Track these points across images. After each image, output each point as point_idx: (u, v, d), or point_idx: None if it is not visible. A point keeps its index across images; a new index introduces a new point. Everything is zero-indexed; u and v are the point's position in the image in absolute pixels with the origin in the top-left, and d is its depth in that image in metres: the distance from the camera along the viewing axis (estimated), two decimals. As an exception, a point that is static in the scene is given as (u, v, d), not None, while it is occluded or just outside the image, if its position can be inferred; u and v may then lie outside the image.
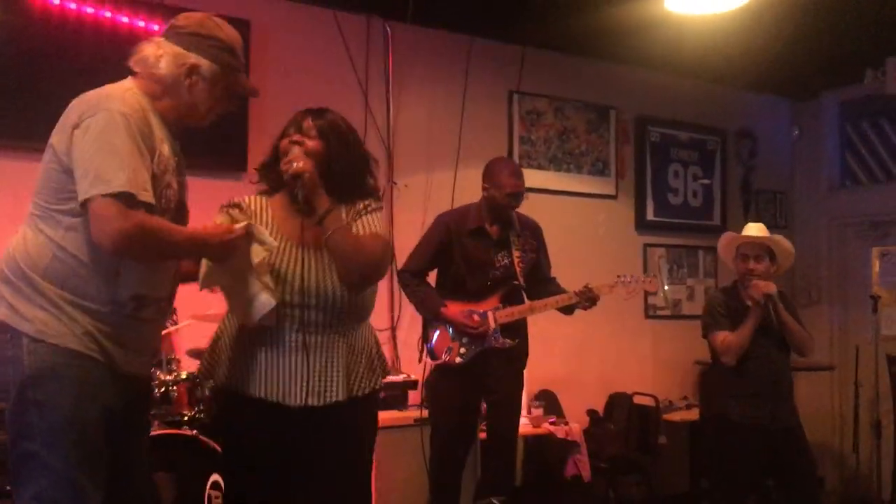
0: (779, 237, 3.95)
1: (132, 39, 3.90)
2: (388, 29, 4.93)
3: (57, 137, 2.05)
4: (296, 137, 2.41)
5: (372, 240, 2.39)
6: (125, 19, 4.03)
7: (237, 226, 2.23)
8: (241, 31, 4.28)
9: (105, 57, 3.89)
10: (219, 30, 2.23)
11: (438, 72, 5.15)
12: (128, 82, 2.18)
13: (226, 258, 2.23)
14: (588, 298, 3.83)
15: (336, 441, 2.41)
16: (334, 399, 2.34)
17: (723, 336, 3.85)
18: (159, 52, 2.17)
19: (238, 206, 2.49)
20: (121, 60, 2.22)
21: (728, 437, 3.87)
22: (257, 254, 2.24)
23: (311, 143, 2.40)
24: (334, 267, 2.35)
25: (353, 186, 2.47)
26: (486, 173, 3.93)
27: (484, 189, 3.92)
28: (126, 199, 1.95)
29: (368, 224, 2.43)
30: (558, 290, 3.94)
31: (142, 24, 4.08)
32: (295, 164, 2.33)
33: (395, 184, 4.91)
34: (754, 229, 3.97)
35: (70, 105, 2.08)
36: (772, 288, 3.75)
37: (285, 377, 2.35)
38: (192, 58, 2.17)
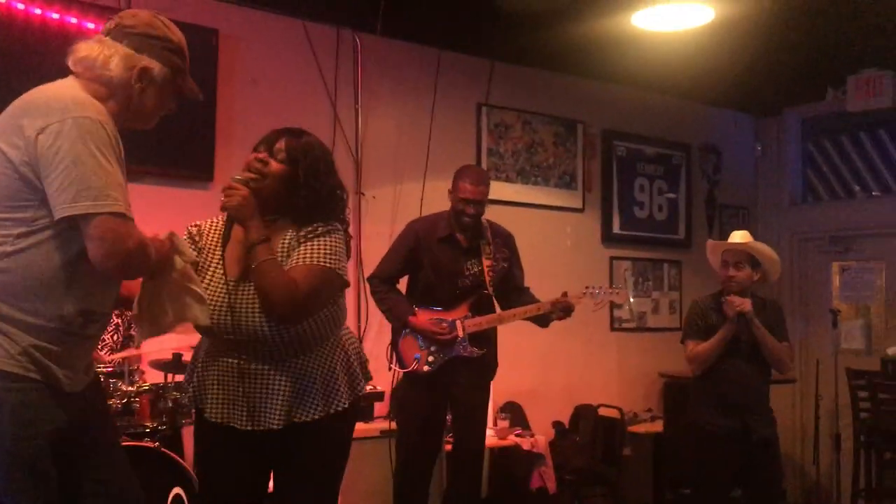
0: (761, 245, 3.96)
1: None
2: (358, 40, 4.93)
3: (8, 141, 1.89)
4: (261, 155, 2.35)
5: (303, 273, 2.27)
6: (91, 25, 3.98)
7: (161, 236, 2.16)
8: (209, 39, 4.33)
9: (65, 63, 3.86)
10: (168, 30, 2.11)
11: (407, 84, 5.17)
12: (71, 82, 2.02)
13: (163, 271, 2.15)
14: (563, 308, 3.83)
15: (286, 464, 2.40)
16: (270, 426, 2.30)
17: (692, 345, 3.90)
18: (108, 53, 2.01)
19: (198, 226, 2.48)
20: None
21: (702, 445, 3.92)
22: (178, 263, 2.17)
23: (274, 166, 2.34)
24: None
25: (315, 214, 2.38)
26: (453, 179, 3.94)
27: (449, 194, 3.93)
28: (122, 217, 1.87)
29: (310, 251, 2.31)
30: (531, 300, 3.94)
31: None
32: (223, 199, 2.28)
33: (363, 195, 4.90)
34: (738, 236, 3.98)
35: (18, 107, 1.94)
36: (746, 306, 3.77)
37: (230, 401, 2.34)
38: (145, 60, 2.04)
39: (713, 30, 4.71)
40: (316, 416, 2.33)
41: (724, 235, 6.66)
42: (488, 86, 5.48)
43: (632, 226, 6.18)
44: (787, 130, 6.87)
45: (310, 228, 2.35)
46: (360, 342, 4.77)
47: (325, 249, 2.32)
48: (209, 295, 2.29)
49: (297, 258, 2.30)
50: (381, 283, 3.92)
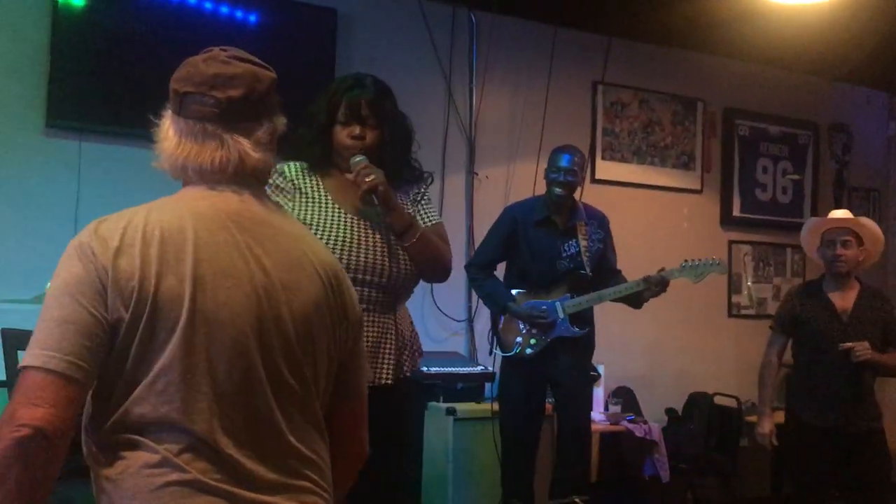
0: (865, 220, 3.77)
1: (226, 27, 4.02)
2: (474, 18, 4.89)
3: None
4: (358, 131, 2.33)
5: (441, 233, 2.44)
6: (224, 9, 4.11)
7: None
8: (328, 19, 4.37)
9: (200, 45, 3.97)
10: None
11: (522, 62, 5.09)
12: (274, 208, 1.62)
13: None
14: (657, 283, 3.70)
15: (382, 422, 2.42)
16: (384, 381, 2.32)
17: (771, 340, 3.94)
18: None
19: (280, 174, 2.40)
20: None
21: (799, 438, 3.80)
22: None
23: (371, 136, 2.33)
24: (392, 244, 2.32)
25: (403, 166, 2.45)
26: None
27: (545, 176, 3.94)
28: None
29: (430, 212, 2.46)
30: (624, 282, 3.89)
31: (239, 14, 4.15)
32: (368, 179, 2.25)
33: (477, 174, 4.87)
34: (839, 213, 3.81)
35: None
36: (866, 354, 3.56)
37: None
38: None
39: (846, 2, 4.44)
40: (408, 373, 2.43)
41: (853, 219, 6.37)
42: (604, 63, 5.34)
43: (753, 208, 5.92)
44: (924, 108, 6.45)
45: (419, 190, 2.47)
46: (471, 322, 4.84)
47: (434, 208, 2.49)
48: (341, 242, 2.28)
49: (423, 220, 2.41)
50: (479, 269, 3.95)
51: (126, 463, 1.28)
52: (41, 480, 1.21)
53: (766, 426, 3.85)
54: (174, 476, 1.26)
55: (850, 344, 3.56)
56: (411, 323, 2.52)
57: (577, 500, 3.10)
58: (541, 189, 4.79)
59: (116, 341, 1.28)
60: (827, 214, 6.13)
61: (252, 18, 4.19)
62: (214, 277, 1.32)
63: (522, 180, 4.97)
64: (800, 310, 3.78)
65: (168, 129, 1.44)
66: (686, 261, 3.87)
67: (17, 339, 2.93)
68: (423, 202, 2.45)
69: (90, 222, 1.37)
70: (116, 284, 1.28)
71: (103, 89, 3.91)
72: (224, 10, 4.12)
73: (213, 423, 1.29)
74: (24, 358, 1.25)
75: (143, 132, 4.28)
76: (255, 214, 1.43)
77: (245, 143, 1.42)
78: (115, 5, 3.93)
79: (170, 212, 1.37)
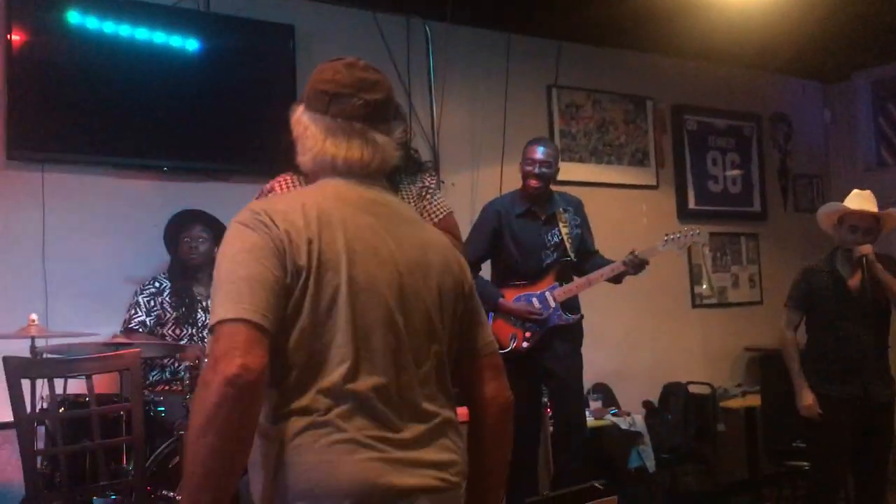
0: (891, 211, 3.82)
1: (168, 53, 3.96)
2: (428, 29, 4.93)
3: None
4: None
5: (454, 240, 2.43)
6: (161, 36, 4.04)
7: None
8: (286, 35, 4.35)
9: (145, 74, 4.00)
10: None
11: (479, 69, 5.15)
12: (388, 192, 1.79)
13: None
14: (636, 264, 3.83)
15: None
16: None
17: (787, 318, 3.94)
18: None
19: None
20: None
21: (824, 412, 3.79)
22: None
23: None
24: None
25: (402, 159, 2.43)
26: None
27: (520, 170, 4.00)
28: None
29: (436, 210, 2.43)
30: (603, 262, 3.98)
31: (176, 41, 4.08)
32: None
33: (443, 182, 4.89)
34: (862, 200, 3.82)
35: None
36: (868, 249, 3.67)
37: None
38: None
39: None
40: None
41: (799, 205, 6.58)
42: (557, 67, 5.43)
43: (707, 200, 6.08)
44: (856, 95, 6.71)
45: (424, 183, 2.47)
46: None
47: (442, 199, 2.50)
48: None
49: (428, 216, 2.40)
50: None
51: (293, 425, 1.39)
52: (247, 422, 1.31)
53: (808, 398, 3.78)
54: (335, 436, 1.39)
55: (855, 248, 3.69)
56: None
57: (596, 484, 3.10)
58: (507, 191, 4.85)
59: (289, 305, 1.39)
60: (775, 202, 6.38)
61: (193, 43, 4.11)
62: (364, 253, 1.46)
63: (488, 184, 5.01)
64: (813, 287, 3.87)
65: (309, 126, 1.57)
66: (667, 235, 3.97)
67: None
68: (428, 196, 2.43)
69: (242, 209, 1.47)
70: (289, 252, 1.40)
71: (60, 119, 3.86)
72: (160, 36, 4.03)
73: (371, 384, 1.42)
74: (216, 312, 1.35)
75: (100, 158, 4.29)
76: (389, 203, 1.59)
77: (386, 141, 1.58)
78: (60, 40, 3.87)
79: (320, 197, 1.51)
